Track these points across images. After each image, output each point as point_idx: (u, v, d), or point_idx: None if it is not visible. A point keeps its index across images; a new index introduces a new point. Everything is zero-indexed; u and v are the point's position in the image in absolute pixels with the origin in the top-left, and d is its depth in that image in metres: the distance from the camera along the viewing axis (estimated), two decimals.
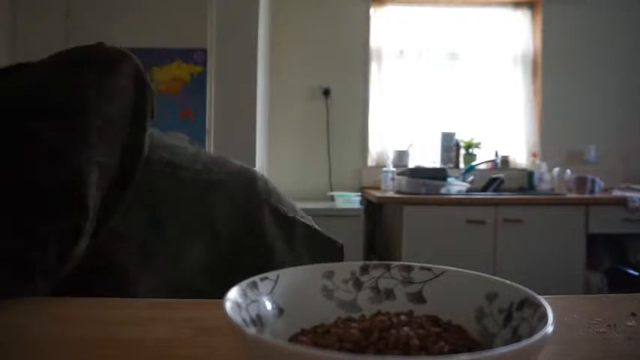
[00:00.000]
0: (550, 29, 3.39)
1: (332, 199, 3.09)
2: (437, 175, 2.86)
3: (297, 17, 3.35)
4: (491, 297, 0.34)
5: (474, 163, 3.21)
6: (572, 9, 3.39)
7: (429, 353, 0.27)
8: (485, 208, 2.72)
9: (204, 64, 2.53)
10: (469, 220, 2.69)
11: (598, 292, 2.79)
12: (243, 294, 0.33)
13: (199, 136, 2.51)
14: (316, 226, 0.86)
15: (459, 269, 0.37)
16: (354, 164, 3.38)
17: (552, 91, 3.41)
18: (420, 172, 2.87)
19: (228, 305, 0.30)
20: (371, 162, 3.42)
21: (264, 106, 2.99)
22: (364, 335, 0.29)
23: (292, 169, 3.33)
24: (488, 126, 3.46)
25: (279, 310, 0.35)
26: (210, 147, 2.52)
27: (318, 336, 0.31)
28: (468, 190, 2.94)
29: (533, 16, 3.49)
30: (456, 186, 2.88)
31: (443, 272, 0.38)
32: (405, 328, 0.29)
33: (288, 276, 0.37)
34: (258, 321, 0.33)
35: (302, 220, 0.85)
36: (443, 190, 2.82)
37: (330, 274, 0.38)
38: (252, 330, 0.30)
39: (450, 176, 2.91)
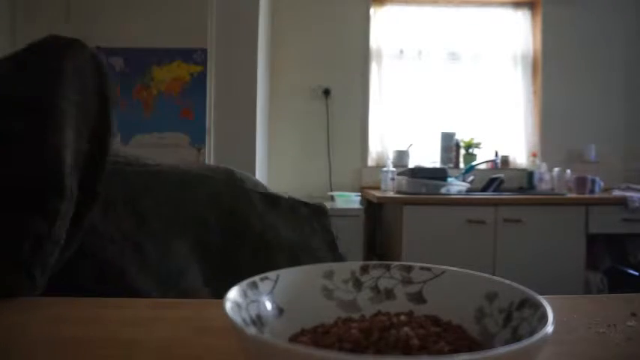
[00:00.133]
0: (550, 29, 3.39)
1: (332, 199, 3.09)
2: (437, 175, 2.86)
3: (297, 17, 3.35)
4: (491, 297, 0.34)
5: (474, 163, 3.22)
6: (572, 9, 3.39)
7: (429, 353, 0.27)
8: (485, 208, 2.72)
9: (204, 64, 2.53)
10: (469, 220, 2.70)
11: (598, 292, 2.79)
12: (243, 294, 0.33)
13: (199, 136, 2.51)
14: (301, 199, 0.88)
15: (459, 269, 0.37)
16: (354, 164, 3.39)
17: (552, 91, 3.41)
18: (420, 172, 2.87)
19: (228, 305, 0.30)
20: (371, 162, 3.43)
21: (264, 106, 2.99)
22: (364, 335, 0.29)
23: (292, 169, 3.33)
24: (488, 126, 3.46)
25: (279, 310, 0.35)
26: (211, 147, 2.53)
27: (318, 336, 0.31)
28: (468, 190, 2.94)
29: (533, 16, 3.49)
30: (456, 186, 2.88)
31: (443, 272, 0.38)
32: (405, 328, 0.29)
33: (288, 276, 0.37)
34: (258, 321, 0.33)
35: (288, 195, 0.87)
36: (443, 190, 2.82)
37: (330, 274, 0.38)
38: (252, 330, 0.30)
39: (450, 176, 2.91)
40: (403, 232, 2.68)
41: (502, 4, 3.48)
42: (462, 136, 3.39)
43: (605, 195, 2.96)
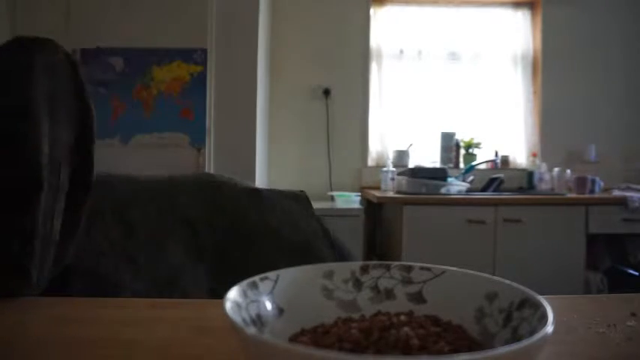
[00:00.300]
0: (550, 29, 3.39)
1: (332, 199, 3.09)
2: (437, 175, 2.86)
3: (297, 17, 3.35)
4: (491, 297, 0.34)
5: (474, 163, 3.21)
6: (572, 9, 3.39)
7: (429, 353, 0.27)
8: (485, 208, 2.72)
9: (204, 64, 2.53)
10: (469, 220, 2.69)
11: (598, 292, 2.79)
12: (243, 294, 0.33)
13: (199, 136, 2.51)
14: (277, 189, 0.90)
15: (459, 269, 0.37)
16: (354, 164, 3.38)
17: (552, 91, 3.41)
18: (420, 172, 2.87)
19: (228, 305, 0.30)
20: (371, 162, 3.42)
21: (264, 106, 2.99)
22: (364, 335, 0.29)
23: (292, 169, 3.33)
24: (488, 126, 3.46)
25: (279, 310, 0.35)
26: (211, 147, 2.53)
27: (318, 336, 0.31)
28: (468, 190, 2.94)
29: (533, 16, 3.49)
30: (456, 186, 2.88)
31: (443, 272, 0.38)
32: (405, 328, 0.29)
33: (288, 276, 0.37)
34: (258, 321, 0.33)
35: (267, 189, 0.89)
36: (443, 190, 2.82)
37: (330, 274, 0.38)
38: (252, 330, 0.30)
39: (450, 176, 2.91)
40: (403, 232, 2.68)
41: (502, 4, 3.48)
42: (462, 136, 3.39)
43: (605, 195, 2.96)
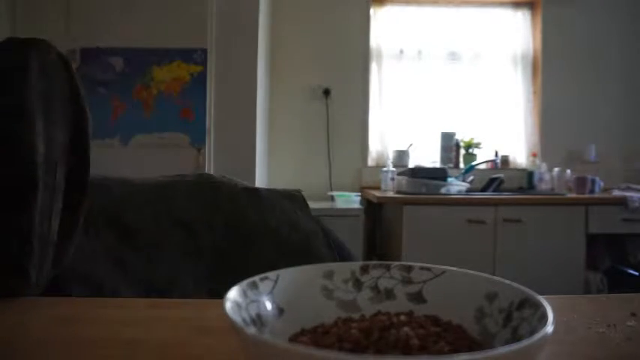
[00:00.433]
0: (550, 29, 3.39)
1: (332, 199, 3.09)
2: (437, 175, 2.86)
3: (297, 17, 3.35)
4: (491, 297, 0.34)
5: (474, 163, 3.21)
6: (572, 9, 3.39)
7: (429, 353, 0.27)
8: (485, 208, 2.72)
9: (204, 64, 2.53)
10: (469, 220, 2.69)
11: (598, 292, 2.79)
12: (243, 294, 0.33)
13: (199, 136, 2.51)
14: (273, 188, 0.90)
15: (459, 269, 0.37)
16: (354, 164, 3.38)
17: (552, 91, 3.41)
18: (420, 172, 2.87)
19: (228, 305, 0.30)
20: (371, 162, 3.42)
21: (264, 106, 2.99)
22: (364, 335, 0.29)
23: (292, 169, 3.33)
24: (488, 126, 3.46)
25: (279, 310, 0.35)
26: (211, 147, 2.53)
27: (318, 336, 0.31)
28: (468, 190, 2.94)
29: (533, 16, 3.49)
30: (456, 186, 2.88)
31: (443, 272, 0.38)
32: (405, 328, 0.29)
33: (288, 276, 0.37)
34: (258, 321, 0.33)
35: (266, 189, 0.89)
36: (443, 190, 2.82)
37: (330, 274, 0.38)
38: (252, 330, 0.30)
39: (450, 176, 2.91)
40: (403, 232, 2.68)
41: (502, 4, 3.48)
42: (462, 136, 3.39)
43: (605, 195, 2.96)
